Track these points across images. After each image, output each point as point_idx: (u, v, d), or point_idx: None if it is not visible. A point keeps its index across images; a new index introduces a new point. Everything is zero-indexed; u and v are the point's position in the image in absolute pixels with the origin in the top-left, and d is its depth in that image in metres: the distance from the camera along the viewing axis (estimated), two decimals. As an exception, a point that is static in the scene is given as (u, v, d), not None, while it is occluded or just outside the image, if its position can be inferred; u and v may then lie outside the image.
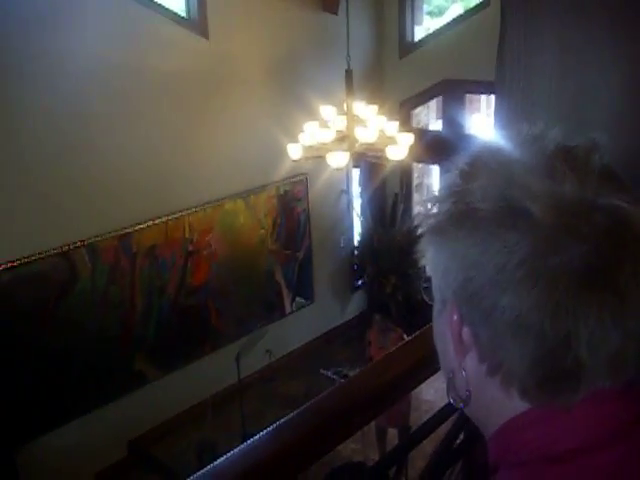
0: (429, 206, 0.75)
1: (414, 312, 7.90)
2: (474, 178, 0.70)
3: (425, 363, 1.59)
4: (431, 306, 0.82)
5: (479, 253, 0.66)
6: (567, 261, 0.62)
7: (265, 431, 1.33)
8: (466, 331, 0.71)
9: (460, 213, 0.69)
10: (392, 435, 6.45)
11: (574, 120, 1.44)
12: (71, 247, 6.01)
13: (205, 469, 1.21)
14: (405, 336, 6.21)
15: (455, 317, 0.71)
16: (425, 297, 0.81)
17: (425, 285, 0.79)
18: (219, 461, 1.21)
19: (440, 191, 0.74)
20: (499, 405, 0.72)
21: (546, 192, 0.64)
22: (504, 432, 0.72)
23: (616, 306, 0.63)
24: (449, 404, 1.88)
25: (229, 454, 1.24)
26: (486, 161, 0.71)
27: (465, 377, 0.74)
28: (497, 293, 0.65)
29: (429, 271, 0.76)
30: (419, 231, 0.74)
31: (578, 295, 0.62)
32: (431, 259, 0.74)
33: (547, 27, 1.58)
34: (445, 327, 0.74)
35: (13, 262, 5.63)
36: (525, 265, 0.63)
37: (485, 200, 0.67)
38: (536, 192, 0.64)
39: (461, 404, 0.76)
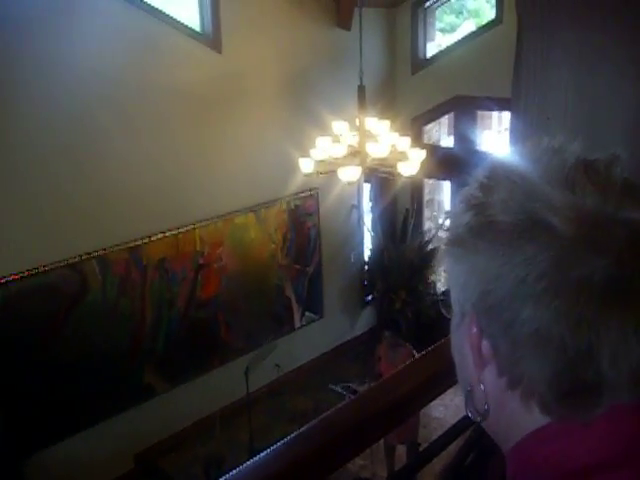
0: (448, 219, 0.74)
1: (424, 328, 7.88)
2: (494, 191, 0.70)
3: (437, 380, 1.58)
4: (441, 322, 0.81)
5: (499, 265, 0.65)
6: (588, 274, 0.61)
7: (275, 445, 1.32)
8: (485, 344, 0.70)
9: (480, 226, 0.68)
10: (401, 451, 6.41)
11: (590, 133, 1.44)
12: (82, 259, 6.03)
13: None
14: (415, 352, 6.19)
15: (474, 330, 0.70)
16: (442, 310, 0.80)
17: (442, 298, 0.79)
18: (230, 475, 1.20)
19: (459, 204, 0.74)
20: (518, 419, 0.71)
21: (567, 205, 0.64)
22: (523, 446, 0.71)
23: (638, 319, 0.62)
24: (460, 421, 1.87)
25: (240, 468, 1.23)
26: (506, 174, 0.71)
27: (484, 391, 0.73)
28: (517, 306, 0.64)
29: (448, 283, 0.76)
30: (440, 243, 0.74)
31: (600, 308, 0.61)
32: (450, 271, 0.74)
33: (563, 43, 1.58)
34: (464, 340, 0.74)
35: (22, 273, 5.66)
36: (546, 278, 0.62)
37: (505, 213, 0.66)
38: (557, 205, 0.64)
39: (479, 418, 0.75)
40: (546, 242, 0.63)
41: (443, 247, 0.74)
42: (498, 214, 0.67)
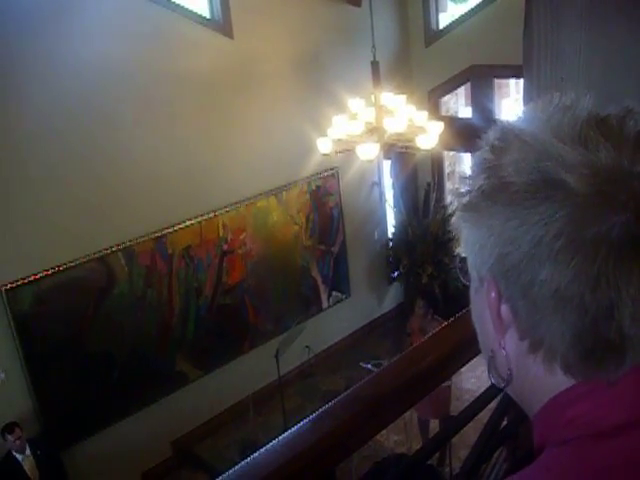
0: (462, 185, 0.73)
1: (452, 300, 7.86)
2: (506, 152, 0.68)
3: (460, 350, 1.58)
4: (467, 292, 0.80)
5: (515, 227, 0.64)
6: (606, 230, 0.60)
7: (301, 423, 1.33)
8: (505, 308, 0.69)
9: (493, 188, 0.67)
10: (435, 426, 6.43)
11: (605, 92, 1.41)
12: (107, 252, 6.09)
13: (245, 461, 1.21)
14: (444, 325, 6.17)
15: (493, 294, 0.69)
16: (461, 277, 0.79)
17: (460, 265, 0.77)
18: (258, 453, 1.21)
19: (472, 169, 0.72)
20: (542, 382, 0.70)
21: (581, 161, 0.62)
22: (549, 409, 0.70)
23: None
24: (489, 389, 1.86)
25: (267, 446, 1.24)
26: (517, 134, 0.69)
27: (506, 356, 0.72)
28: (535, 267, 0.63)
29: (464, 250, 0.74)
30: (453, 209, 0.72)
31: (618, 265, 0.60)
32: (466, 237, 0.72)
33: (574, 4, 1.55)
34: (483, 306, 0.73)
35: (53, 269, 5.74)
36: (562, 237, 0.61)
37: (518, 173, 0.65)
38: (570, 162, 0.63)
39: (503, 384, 0.74)
40: (561, 201, 0.62)
41: (457, 213, 0.72)
42: (511, 175, 0.65)
